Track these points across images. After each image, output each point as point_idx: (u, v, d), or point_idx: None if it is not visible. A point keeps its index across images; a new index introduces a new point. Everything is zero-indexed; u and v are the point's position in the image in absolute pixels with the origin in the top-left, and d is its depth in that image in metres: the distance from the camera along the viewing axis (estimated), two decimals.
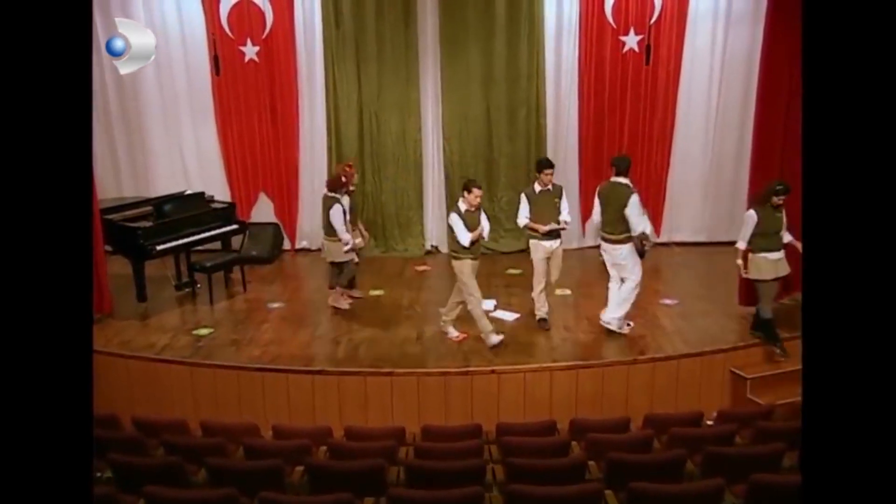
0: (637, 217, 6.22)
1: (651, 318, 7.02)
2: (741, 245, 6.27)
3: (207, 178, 9.25)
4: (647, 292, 7.03)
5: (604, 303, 6.73)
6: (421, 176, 9.44)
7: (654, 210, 9.19)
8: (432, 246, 9.65)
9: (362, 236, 7.78)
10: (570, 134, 9.32)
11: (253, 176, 9.48)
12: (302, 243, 9.65)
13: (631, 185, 6.36)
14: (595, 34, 8.97)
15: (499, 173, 9.37)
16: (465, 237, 6.21)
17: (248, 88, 9.13)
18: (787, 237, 6.20)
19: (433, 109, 9.31)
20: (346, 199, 7.26)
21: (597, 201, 6.54)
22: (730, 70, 9.05)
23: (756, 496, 3.82)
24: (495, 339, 6.43)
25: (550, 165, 6.67)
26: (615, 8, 8.90)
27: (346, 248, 7.15)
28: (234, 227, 8.40)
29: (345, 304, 7.50)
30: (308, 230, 9.53)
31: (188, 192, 8.55)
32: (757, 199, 6.29)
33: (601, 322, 6.65)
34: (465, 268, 6.32)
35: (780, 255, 6.20)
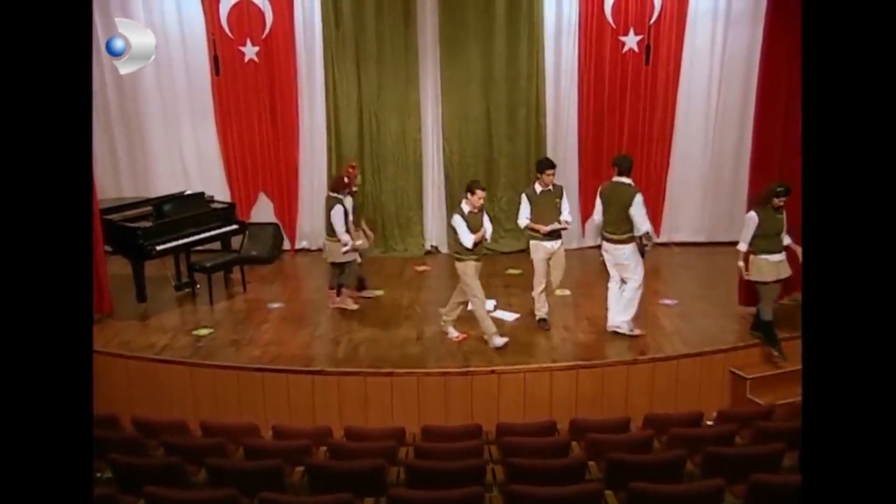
0: (642, 217, 6.23)
1: (651, 319, 7.02)
2: (742, 247, 6.25)
3: (207, 178, 9.25)
4: (647, 292, 7.01)
5: (604, 303, 6.73)
6: (421, 176, 9.44)
7: (654, 210, 9.15)
8: (432, 246, 9.65)
9: (366, 237, 7.77)
10: (569, 134, 9.32)
11: (253, 176, 9.47)
12: (302, 243, 9.65)
13: (634, 184, 6.37)
14: (595, 34, 8.97)
15: (498, 173, 9.37)
16: (468, 239, 6.20)
17: (248, 88, 9.13)
18: (786, 240, 6.19)
19: (433, 109, 9.31)
20: (348, 200, 7.24)
21: (598, 201, 6.53)
22: (729, 70, 9.05)
23: (756, 496, 3.81)
24: (499, 341, 6.41)
25: (552, 166, 6.65)
26: (615, 8, 8.90)
27: (345, 249, 7.13)
28: (234, 227, 8.39)
29: (352, 304, 7.50)
30: (308, 230, 9.54)
31: (188, 192, 8.55)
32: (757, 200, 6.28)
33: (609, 328, 6.63)
34: (469, 269, 6.31)
35: (781, 256, 6.19)
